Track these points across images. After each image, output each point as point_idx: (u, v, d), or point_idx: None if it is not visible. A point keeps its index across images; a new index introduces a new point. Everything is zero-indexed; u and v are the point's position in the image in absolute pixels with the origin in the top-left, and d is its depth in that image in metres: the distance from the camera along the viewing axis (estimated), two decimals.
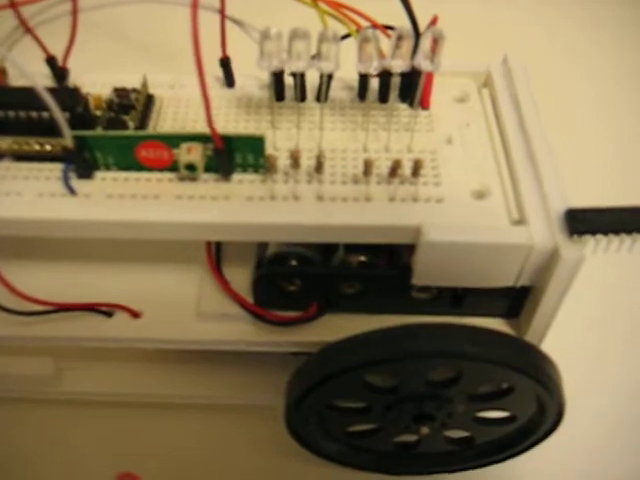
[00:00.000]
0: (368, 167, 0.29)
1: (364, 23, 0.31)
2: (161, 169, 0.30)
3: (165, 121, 0.32)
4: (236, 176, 0.30)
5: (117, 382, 0.37)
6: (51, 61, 0.33)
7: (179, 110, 0.33)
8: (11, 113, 0.30)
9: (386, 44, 0.29)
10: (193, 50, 0.25)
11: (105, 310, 0.33)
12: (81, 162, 0.29)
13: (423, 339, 0.28)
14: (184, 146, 0.29)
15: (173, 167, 0.30)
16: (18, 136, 0.30)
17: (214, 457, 0.39)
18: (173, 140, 0.29)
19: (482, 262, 0.29)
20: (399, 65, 0.29)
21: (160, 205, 0.29)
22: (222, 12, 0.30)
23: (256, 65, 0.29)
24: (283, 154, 0.31)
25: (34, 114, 0.30)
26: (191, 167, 0.29)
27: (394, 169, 0.29)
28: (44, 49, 0.32)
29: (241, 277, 0.33)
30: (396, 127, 0.32)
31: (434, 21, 0.31)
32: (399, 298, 0.31)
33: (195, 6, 0.25)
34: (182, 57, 0.55)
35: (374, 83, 0.32)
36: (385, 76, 0.31)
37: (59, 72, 0.34)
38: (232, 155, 0.29)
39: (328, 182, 0.30)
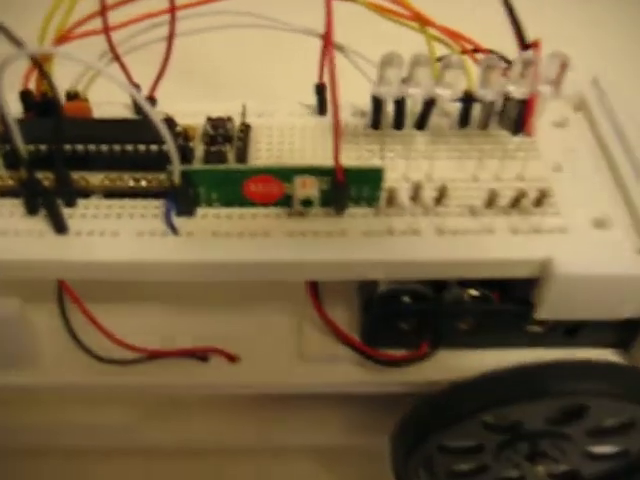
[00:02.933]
0: (493, 198, 0.28)
1: (469, 47, 0.30)
2: (266, 204, 0.28)
3: (260, 152, 0.30)
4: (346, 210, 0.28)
5: (205, 429, 0.35)
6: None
7: (272, 140, 0.31)
8: (104, 147, 0.28)
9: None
10: (330, 87, 0.24)
11: (200, 355, 0.30)
12: (186, 198, 0.27)
13: (557, 378, 0.27)
14: (299, 180, 0.27)
15: (279, 202, 0.28)
16: (110, 171, 0.28)
17: None
18: (286, 173, 0.27)
19: (611, 293, 0.28)
20: (522, 92, 0.28)
21: (272, 243, 0.27)
22: (327, 37, 0.28)
23: (373, 91, 0.28)
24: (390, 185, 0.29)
25: (130, 147, 0.28)
26: (307, 202, 0.27)
27: (517, 199, 0.28)
28: (129, 78, 0.30)
29: (342, 315, 0.31)
30: (500, 155, 0.31)
31: (536, 44, 0.30)
32: (512, 332, 0.30)
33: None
34: (258, 84, 0.51)
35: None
36: (489, 103, 0.30)
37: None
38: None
39: (445, 214, 0.28)
